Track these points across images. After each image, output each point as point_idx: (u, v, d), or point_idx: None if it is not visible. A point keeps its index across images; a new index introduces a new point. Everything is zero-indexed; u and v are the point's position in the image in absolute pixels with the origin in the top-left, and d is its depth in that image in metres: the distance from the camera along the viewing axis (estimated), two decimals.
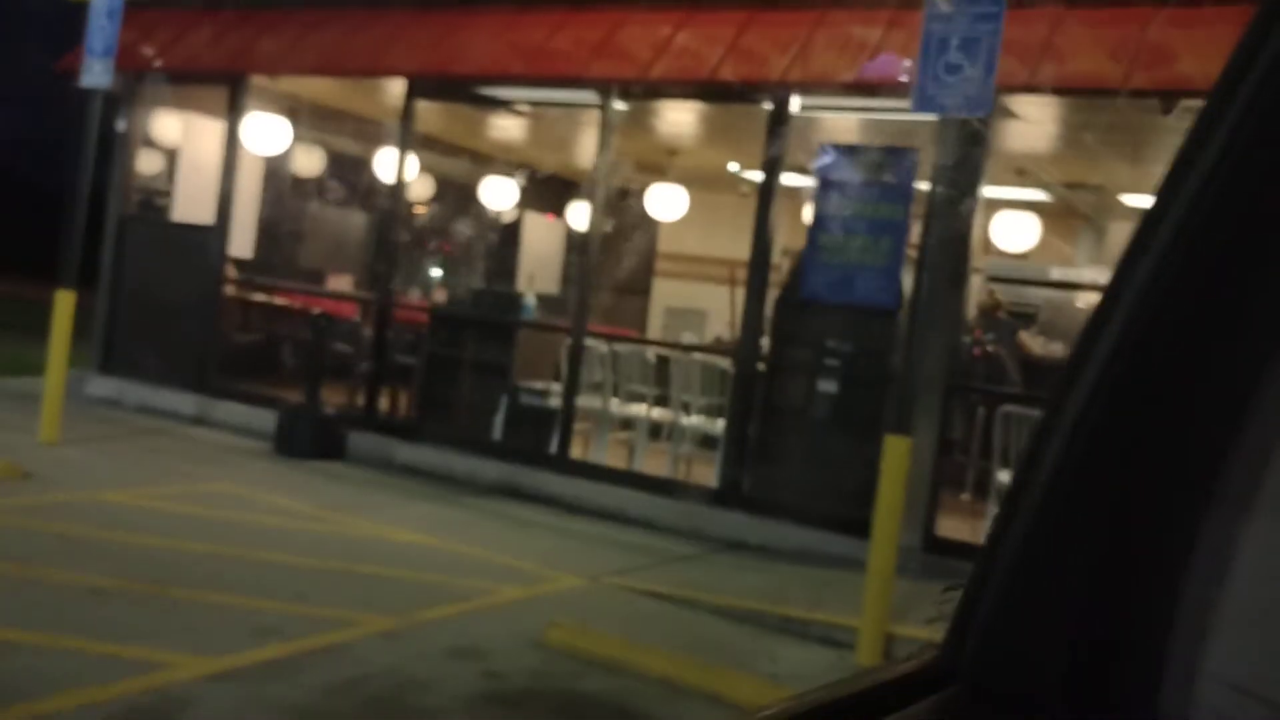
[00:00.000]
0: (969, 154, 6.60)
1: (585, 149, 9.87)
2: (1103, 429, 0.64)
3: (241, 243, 11.00)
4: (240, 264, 10.95)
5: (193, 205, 10.70)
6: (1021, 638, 0.64)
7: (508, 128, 11.48)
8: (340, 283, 12.25)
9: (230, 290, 10.72)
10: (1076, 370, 0.65)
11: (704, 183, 11.92)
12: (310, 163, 12.16)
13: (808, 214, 7.71)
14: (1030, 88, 6.55)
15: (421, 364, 9.72)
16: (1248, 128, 0.62)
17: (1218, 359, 0.62)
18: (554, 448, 8.63)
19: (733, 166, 11.44)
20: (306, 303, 11.11)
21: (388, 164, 10.28)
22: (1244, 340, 0.61)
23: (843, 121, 8.71)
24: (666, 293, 13.55)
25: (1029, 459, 0.66)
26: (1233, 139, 0.62)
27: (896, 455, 5.60)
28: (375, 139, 11.04)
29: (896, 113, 6.84)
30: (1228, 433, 0.60)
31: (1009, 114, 7.42)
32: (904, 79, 6.43)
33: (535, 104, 9.96)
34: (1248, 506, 0.58)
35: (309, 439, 9.08)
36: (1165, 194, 0.65)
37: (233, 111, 10.31)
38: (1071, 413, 0.64)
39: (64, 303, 8.45)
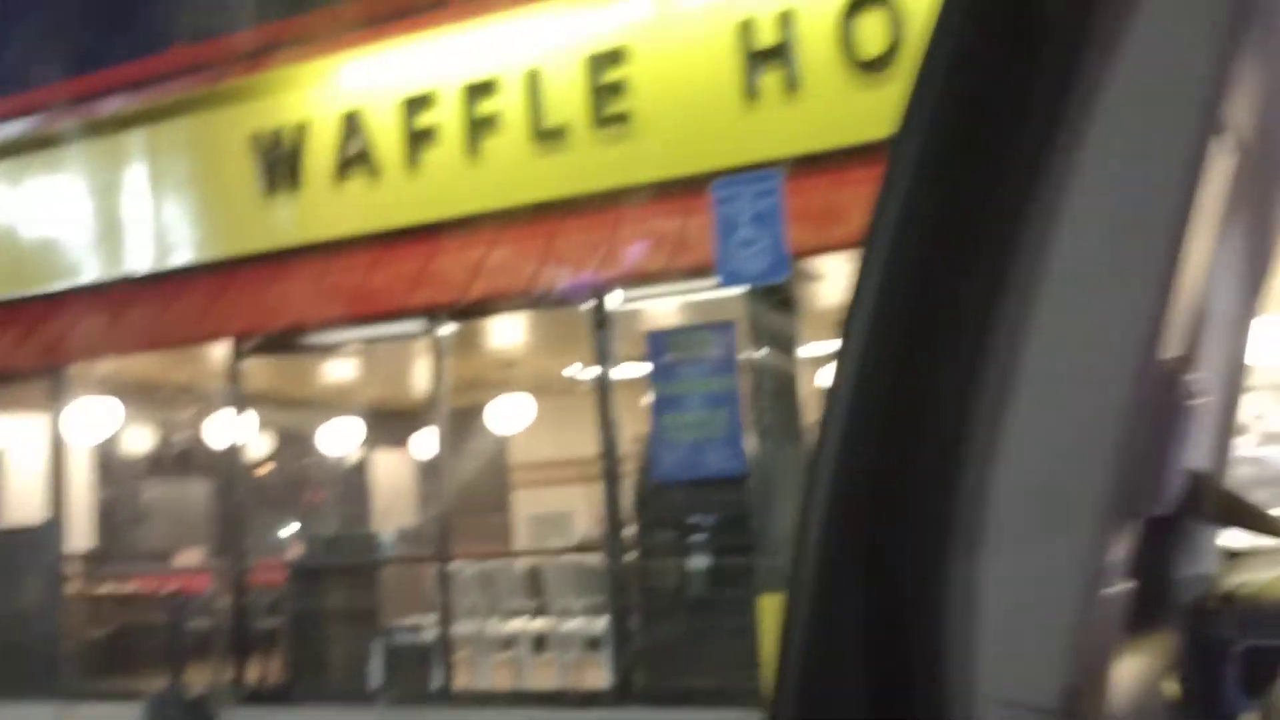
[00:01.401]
0: (781, 318, 6.95)
1: (422, 377, 10.00)
2: (847, 473, 0.67)
3: (81, 534, 10.57)
4: (84, 556, 10.49)
5: (23, 506, 10.27)
6: (821, 683, 0.67)
7: (341, 370, 11.52)
8: (191, 556, 11.81)
9: (75, 586, 10.21)
10: (825, 421, 0.69)
11: (545, 388, 12.11)
12: (144, 440, 11.88)
13: (647, 400, 7.92)
14: (822, 248, 6.99)
15: (286, 623, 9.37)
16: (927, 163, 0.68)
17: (930, 393, 0.66)
18: (437, 683, 8.36)
19: (569, 369, 11.69)
20: (159, 584, 10.66)
21: (223, 428, 10.14)
22: (952, 368, 0.66)
23: (662, 307, 9.07)
24: (528, 502, 13.50)
25: (802, 508, 0.70)
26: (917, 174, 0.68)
27: (772, 615, 5.65)
28: (207, 405, 10.90)
29: (708, 291, 7.20)
30: (949, 469, 0.64)
31: (810, 276, 7.88)
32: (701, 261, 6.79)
33: (365, 342, 10.05)
34: (976, 541, 0.63)
35: None
36: (873, 234, 0.69)
37: (55, 403, 10.07)
38: (824, 459, 0.68)
39: None
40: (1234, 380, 1.33)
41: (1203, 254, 0.93)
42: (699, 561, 7.65)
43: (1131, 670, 1.01)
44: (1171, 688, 1.08)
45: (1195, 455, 1.24)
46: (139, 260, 10.11)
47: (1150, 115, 0.65)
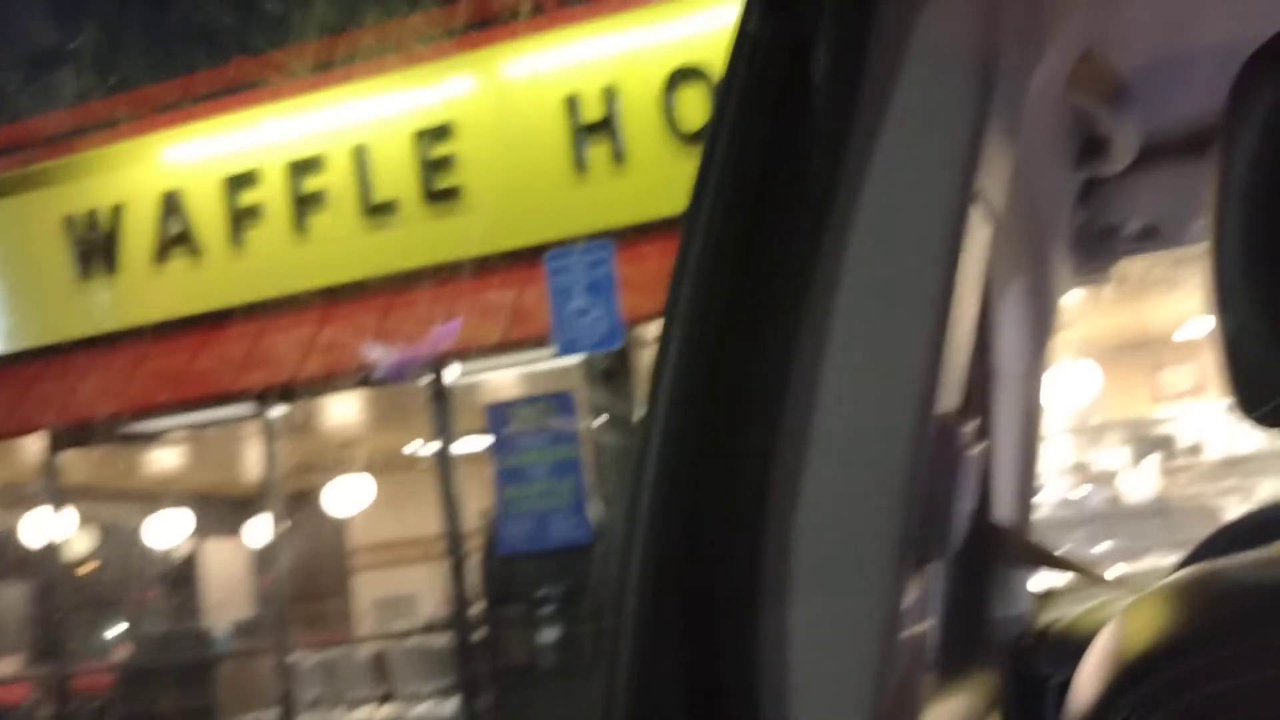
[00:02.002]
0: (619, 384, 7.02)
1: (254, 462, 9.67)
2: (662, 522, 0.71)
3: None
4: None
5: None
6: None
7: (168, 458, 11.04)
8: (8, 664, 11.04)
9: None
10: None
11: (384, 467, 11.85)
12: None
13: (489, 473, 7.85)
14: (655, 314, 7.11)
15: None
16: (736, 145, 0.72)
17: (735, 449, 0.70)
18: None
19: (408, 446, 11.49)
20: None
21: (41, 525, 9.57)
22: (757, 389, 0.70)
23: (500, 379, 9.04)
24: (370, 585, 13.12)
25: (619, 558, 0.73)
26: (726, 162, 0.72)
27: None
28: (21, 502, 10.28)
29: (545, 361, 7.22)
30: (755, 519, 0.68)
31: (645, 341, 7.99)
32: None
33: (192, 427, 9.68)
34: (784, 586, 0.67)
35: None
36: (671, 309, 0.73)
37: None
38: (638, 512, 0.71)
39: None
40: (1030, 430, 1.41)
41: (980, 314, 0.99)
42: (548, 633, 7.57)
43: (955, 709, 1.07)
44: None
45: (997, 503, 1.32)
46: None
47: (914, 186, 0.71)
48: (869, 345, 0.70)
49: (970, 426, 0.79)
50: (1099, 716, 0.57)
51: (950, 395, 0.74)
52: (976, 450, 0.81)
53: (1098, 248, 1.48)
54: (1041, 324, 1.37)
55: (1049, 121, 1.08)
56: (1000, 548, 1.30)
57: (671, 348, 0.72)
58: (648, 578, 0.70)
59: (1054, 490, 8.55)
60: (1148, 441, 9.24)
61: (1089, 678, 0.60)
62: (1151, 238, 1.48)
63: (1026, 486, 1.42)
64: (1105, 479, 9.07)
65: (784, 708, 0.66)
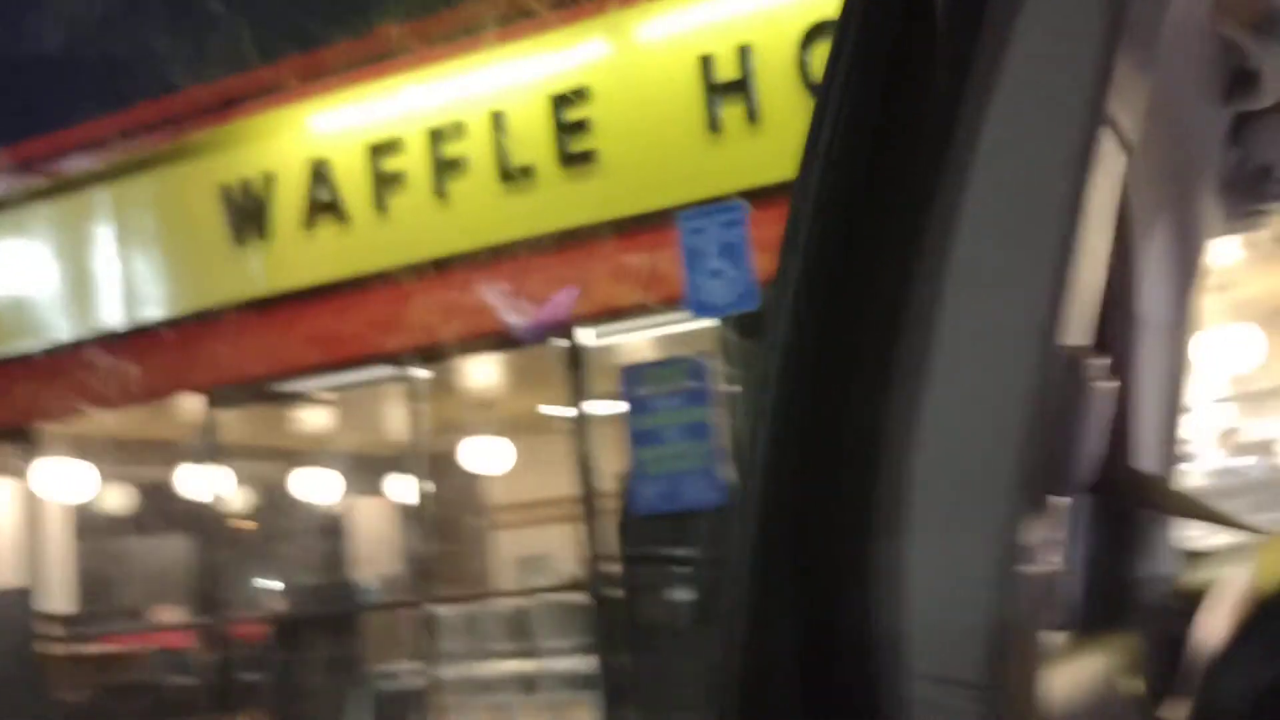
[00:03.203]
0: (753, 346, 6.98)
1: (397, 422, 9.99)
2: (776, 468, 0.71)
3: (59, 596, 10.45)
4: (62, 619, 10.36)
5: None
6: (764, 677, 0.70)
7: (317, 418, 11.46)
8: (173, 613, 11.68)
9: (54, 648, 10.07)
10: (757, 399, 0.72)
11: (523, 429, 12.08)
12: (120, 498, 11.78)
13: (624, 435, 7.92)
14: None
15: (270, 676, 9.27)
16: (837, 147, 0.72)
17: (851, 390, 0.70)
18: None
19: (546, 407, 11.67)
20: (140, 643, 10.54)
21: (200, 481, 10.07)
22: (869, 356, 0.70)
23: (635, 341, 9.09)
24: (509, 543, 13.43)
25: (735, 507, 0.73)
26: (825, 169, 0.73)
27: None
28: (182, 459, 10.82)
29: (680, 323, 7.23)
30: (870, 459, 0.68)
31: None
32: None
33: (339, 388, 10.02)
34: (899, 525, 0.66)
35: None
36: (788, 245, 0.73)
37: (26, 463, 9.98)
38: (754, 459, 0.71)
39: None
40: (1174, 379, 1.36)
41: (1120, 254, 0.96)
42: (685, 594, 7.62)
43: (1091, 668, 1.04)
44: (1134, 685, 1.11)
45: (1139, 451, 1.27)
46: (109, 317, 10.07)
47: (1039, 112, 0.69)
48: (991, 274, 0.68)
49: (1102, 363, 0.77)
50: (1233, 657, 0.55)
51: (1079, 330, 0.72)
52: (1108, 388, 0.78)
53: (1251, 189, 1.38)
54: (1189, 268, 1.31)
55: (1192, 50, 1.03)
56: (1141, 494, 1.26)
57: (787, 292, 0.72)
58: (762, 516, 0.71)
59: (1213, 458, 8.20)
60: None
61: (1220, 615, 0.58)
62: None
63: (1171, 437, 1.36)
64: (1267, 448, 8.65)
65: (899, 647, 0.66)
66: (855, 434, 0.69)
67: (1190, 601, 1.29)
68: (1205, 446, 8.27)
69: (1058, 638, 0.92)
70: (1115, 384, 1.11)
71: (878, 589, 0.66)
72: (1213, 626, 0.58)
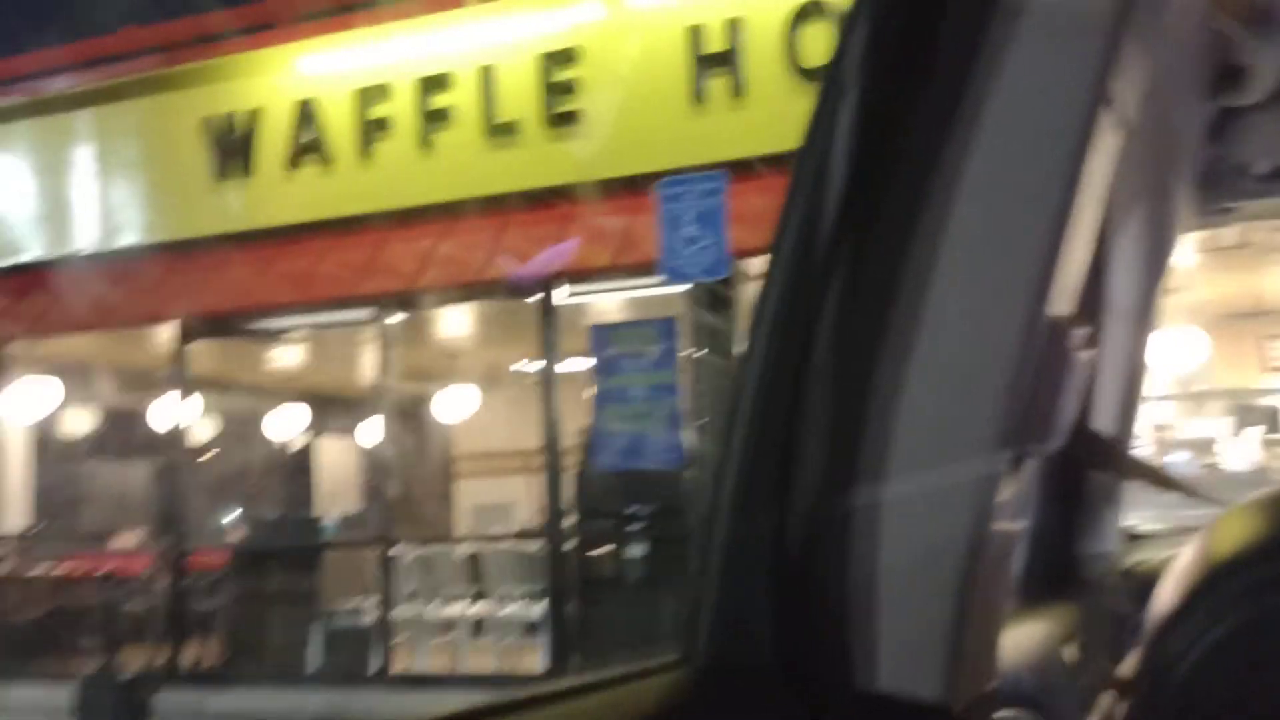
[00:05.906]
0: (721, 315, 7.18)
1: (368, 365, 10.11)
2: (763, 410, 0.74)
3: (13, 515, 10.53)
4: (18, 537, 10.44)
5: None
6: (737, 619, 0.73)
7: (287, 356, 11.56)
8: (129, 538, 11.77)
9: (7, 566, 10.17)
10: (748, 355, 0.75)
11: (490, 380, 12.24)
12: (85, 421, 11.84)
13: (589, 392, 8.11)
14: (762, 249, 7.22)
15: (225, 606, 9.42)
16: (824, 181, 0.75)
17: (841, 339, 0.73)
18: (375, 666, 8.49)
19: (514, 361, 11.84)
20: (95, 565, 10.62)
21: (166, 410, 10.15)
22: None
23: (606, 302, 9.26)
24: (470, 491, 13.61)
25: (719, 459, 0.75)
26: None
27: None
28: (150, 387, 10.90)
29: (651, 287, 7.41)
30: (856, 405, 0.71)
31: (750, 275, 8.12)
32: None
33: (312, 328, 10.13)
34: (880, 469, 0.70)
35: (110, 707, 8.60)
36: (791, 195, 0.76)
37: None
38: (742, 404, 0.74)
39: None
40: (1137, 353, 1.40)
41: (1098, 229, 0.99)
42: (636, 550, 7.86)
43: (1032, 633, 1.12)
44: (1071, 653, 1.16)
45: (1100, 416, 1.33)
46: (85, 240, 10.11)
47: (1043, 89, 0.72)
48: (986, 240, 0.71)
49: (1081, 332, 0.80)
50: (1180, 618, 0.58)
51: (1063, 298, 0.75)
52: (1085, 356, 0.82)
53: (1224, 185, 1.42)
54: (1158, 253, 1.34)
55: (1185, 41, 1.04)
56: (1099, 457, 1.32)
57: (787, 238, 0.75)
58: (745, 463, 0.74)
59: (1146, 452, 8.49)
60: (1252, 413, 9.10)
61: (1172, 583, 0.61)
62: None
63: (1130, 409, 1.41)
64: (1203, 446, 8.97)
65: (872, 591, 0.69)
66: (844, 381, 0.72)
67: (1127, 579, 1.39)
68: (1140, 440, 8.55)
69: (1010, 599, 0.95)
70: (1092, 355, 1.14)
71: (855, 537, 0.69)
72: (1163, 596, 0.62)
